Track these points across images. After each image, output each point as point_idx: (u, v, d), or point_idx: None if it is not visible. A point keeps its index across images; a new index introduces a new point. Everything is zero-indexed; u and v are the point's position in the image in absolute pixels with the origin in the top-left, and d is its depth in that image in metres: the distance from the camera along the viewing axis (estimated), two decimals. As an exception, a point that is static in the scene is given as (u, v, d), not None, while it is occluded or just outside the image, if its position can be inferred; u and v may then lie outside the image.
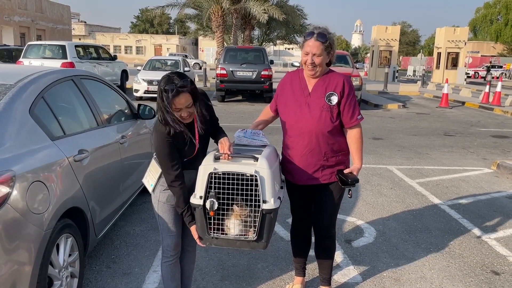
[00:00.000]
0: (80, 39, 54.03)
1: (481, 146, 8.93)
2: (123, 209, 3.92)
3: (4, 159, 2.29)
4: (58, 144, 2.80)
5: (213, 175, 2.28)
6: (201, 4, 23.13)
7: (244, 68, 14.91)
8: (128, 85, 18.27)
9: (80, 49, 15.18)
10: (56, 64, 13.04)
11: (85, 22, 64.74)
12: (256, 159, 2.29)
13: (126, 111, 4.36)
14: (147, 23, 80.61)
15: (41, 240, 2.36)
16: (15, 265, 2.21)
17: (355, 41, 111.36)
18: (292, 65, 15.97)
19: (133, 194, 4.19)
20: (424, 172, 6.68)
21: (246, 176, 2.26)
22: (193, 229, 2.45)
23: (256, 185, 2.26)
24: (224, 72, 14.83)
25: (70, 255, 2.77)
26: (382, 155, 7.75)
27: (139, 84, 15.07)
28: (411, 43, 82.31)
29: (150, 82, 14.89)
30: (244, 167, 2.27)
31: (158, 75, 15.10)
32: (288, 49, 69.33)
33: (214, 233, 2.35)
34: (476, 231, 4.44)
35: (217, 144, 2.49)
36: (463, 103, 17.25)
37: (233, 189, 2.29)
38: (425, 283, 3.39)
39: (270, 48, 54.20)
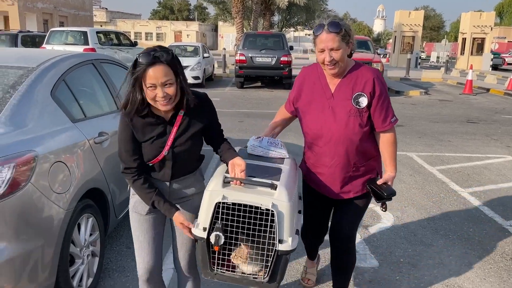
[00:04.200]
0: (101, 26, 54.43)
1: (505, 134, 8.72)
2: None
3: (27, 139, 2.35)
4: (79, 126, 2.85)
5: (220, 205, 1.87)
6: None
7: (263, 54, 14.83)
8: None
9: (101, 35, 15.35)
10: (78, 50, 13.20)
11: (106, 8, 65.23)
12: (274, 187, 1.89)
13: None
14: (167, 10, 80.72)
15: (62, 219, 2.43)
16: (38, 242, 2.29)
17: (377, 26, 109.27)
18: (312, 51, 15.79)
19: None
20: (445, 159, 6.58)
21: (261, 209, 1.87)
22: (177, 215, 2.01)
23: (272, 221, 1.85)
24: (243, 58, 14.79)
25: (91, 234, 2.85)
26: (403, 142, 7.65)
27: (159, 70, 15.11)
28: (435, 28, 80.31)
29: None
30: (260, 197, 1.86)
31: (178, 61, 15.13)
32: (309, 35, 68.51)
33: (218, 269, 1.96)
34: (497, 219, 4.36)
35: (225, 163, 2.06)
36: (488, 90, 16.82)
37: (243, 222, 1.87)
38: (442, 269, 3.37)
39: (290, 34, 53.66)
